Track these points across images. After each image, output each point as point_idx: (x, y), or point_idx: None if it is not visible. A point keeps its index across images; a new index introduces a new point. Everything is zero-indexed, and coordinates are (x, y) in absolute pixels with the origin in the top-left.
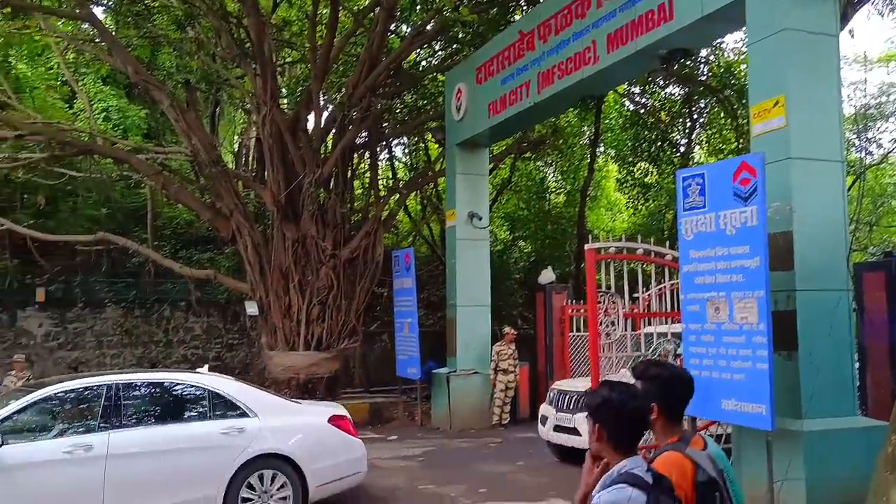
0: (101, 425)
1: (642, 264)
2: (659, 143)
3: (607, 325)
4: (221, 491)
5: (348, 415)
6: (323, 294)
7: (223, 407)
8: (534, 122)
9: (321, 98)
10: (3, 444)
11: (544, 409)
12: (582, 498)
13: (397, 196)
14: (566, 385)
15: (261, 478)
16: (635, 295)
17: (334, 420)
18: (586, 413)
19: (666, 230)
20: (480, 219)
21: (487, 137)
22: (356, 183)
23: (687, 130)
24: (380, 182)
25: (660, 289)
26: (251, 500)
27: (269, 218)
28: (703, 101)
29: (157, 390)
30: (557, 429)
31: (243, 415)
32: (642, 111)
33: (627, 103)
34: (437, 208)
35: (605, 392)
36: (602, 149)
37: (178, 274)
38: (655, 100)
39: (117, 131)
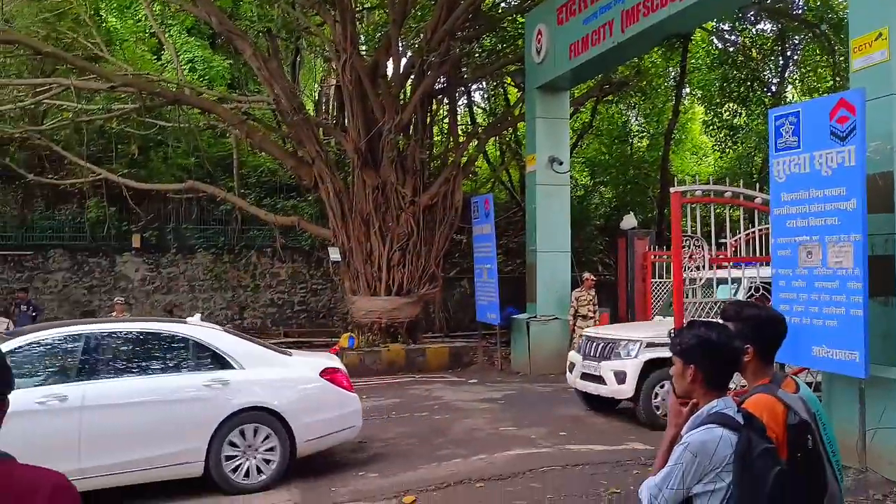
0: (78, 376)
1: (730, 208)
2: (749, 83)
3: (692, 271)
4: (204, 444)
5: (343, 367)
6: (403, 240)
7: (208, 358)
8: (617, 62)
9: (400, 43)
10: None
11: (572, 355)
12: (671, 439)
13: (476, 142)
14: (595, 332)
15: (246, 432)
16: (722, 240)
17: (327, 373)
18: (675, 353)
19: (755, 174)
20: (561, 164)
21: (568, 80)
22: (435, 129)
23: (779, 69)
24: (459, 128)
25: (748, 234)
26: (236, 454)
27: (349, 165)
28: (797, 37)
29: (140, 341)
30: (584, 377)
31: (229, 367)
32: (731, 49)
33: (716, 41)
34: (517, 154)
35: (702, 332)
36: (688, 90)
37: (264, 221)
38: (746, 37)
39: (203, 81)
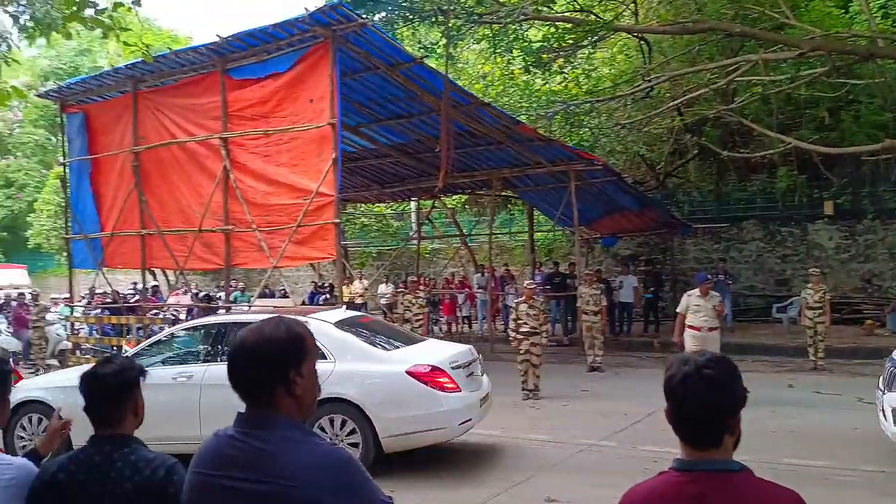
0: (204, 359)
1: None
2: None
3: None
4: None
5: (444, 366)
6: None
7: None
8: None
9: None
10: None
11: (880, 380)
12: None
13: None
14: None
15: (331, 422)
16: None
17: (417, 370)
18: None
19: None
20: None
21: None
22: None
23: None
24: None
25: None
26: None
27: None
28: None
29: None
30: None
31: (321, 357)
32: None
33: None
34: None
35: None
36: None
37: None
38: None
39: None
